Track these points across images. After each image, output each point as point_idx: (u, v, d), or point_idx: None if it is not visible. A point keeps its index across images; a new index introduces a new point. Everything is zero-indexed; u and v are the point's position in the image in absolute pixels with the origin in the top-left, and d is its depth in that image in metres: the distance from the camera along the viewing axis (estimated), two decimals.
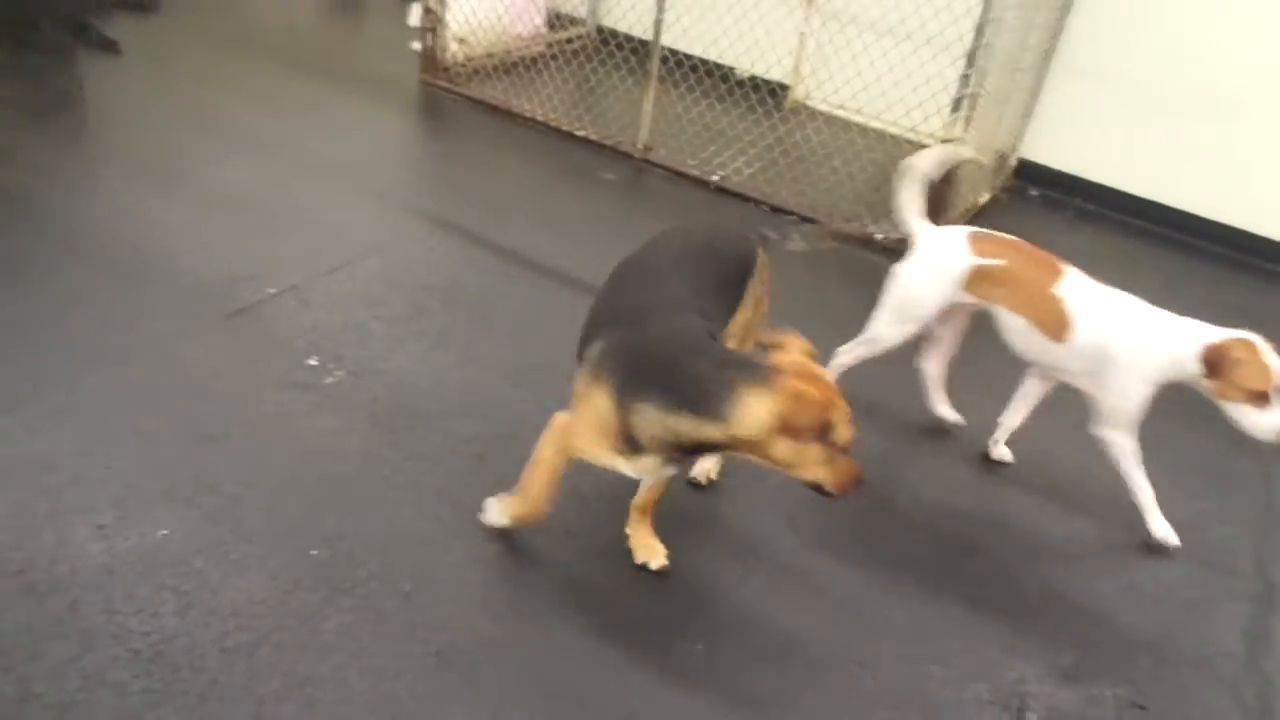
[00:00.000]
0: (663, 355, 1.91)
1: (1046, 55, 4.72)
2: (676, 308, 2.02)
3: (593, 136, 4.66)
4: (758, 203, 4.28)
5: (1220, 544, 2.76)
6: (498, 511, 2.29)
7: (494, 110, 4.85)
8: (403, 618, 2.10)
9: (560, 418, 2.11)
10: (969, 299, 2.70)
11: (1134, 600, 2.53)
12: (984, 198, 4.66)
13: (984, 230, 2.74)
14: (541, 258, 3.60)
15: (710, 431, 1.85)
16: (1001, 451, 2.92)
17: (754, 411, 1.79)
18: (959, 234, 2.71)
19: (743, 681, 2.11)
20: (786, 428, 1.79)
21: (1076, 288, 2.56)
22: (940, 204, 3.95)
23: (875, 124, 4.97)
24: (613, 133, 4.65)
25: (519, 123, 4.77)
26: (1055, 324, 2.56)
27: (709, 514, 2.57)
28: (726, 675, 2.11)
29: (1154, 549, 2.68)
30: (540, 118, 4.76)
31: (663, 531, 2.37)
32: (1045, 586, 2.51)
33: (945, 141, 2.86)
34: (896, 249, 3.99)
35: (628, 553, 2.35)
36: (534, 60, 5.32)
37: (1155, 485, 2.66)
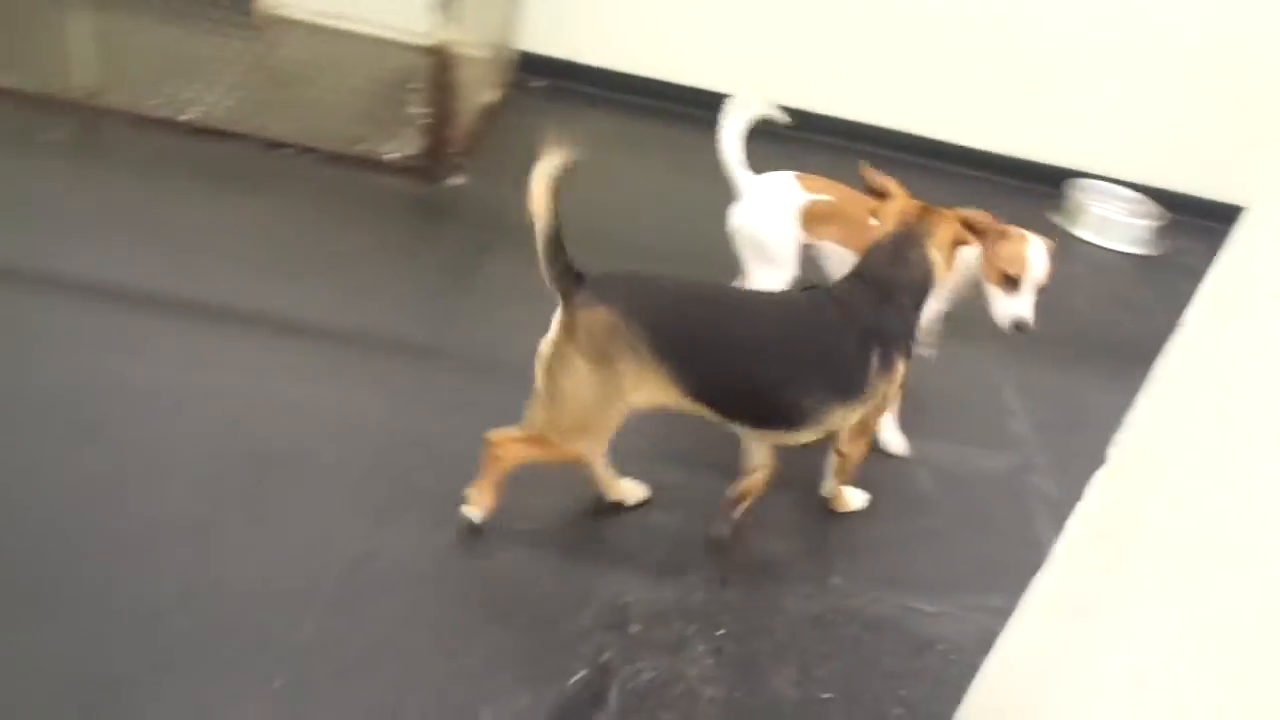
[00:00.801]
0: (887, 303, 2.20)
1: None
2: (817, 290, 2.27)
3: (19, 87, 3.75)
4: (247, 139, 3.75)
5: None
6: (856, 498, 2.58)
7: None
8: None
9: (865, 423, 2.33)
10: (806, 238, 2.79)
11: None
12: (491, 96, 4.52)
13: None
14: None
15: (941, 297, 2.51)
16: None
17: (937, 254, 2.27)
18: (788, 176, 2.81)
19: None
20: (958, 239, 2.31)
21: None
22: (445, 112, 3.74)
23: (362, 29, 4.57)
24: (46, 79, 3.77)
25: None
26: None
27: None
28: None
29: None
30: None
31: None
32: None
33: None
34: (407, 166, 3.76)
35: (288, 557, 1.96)
36: None
37: None
